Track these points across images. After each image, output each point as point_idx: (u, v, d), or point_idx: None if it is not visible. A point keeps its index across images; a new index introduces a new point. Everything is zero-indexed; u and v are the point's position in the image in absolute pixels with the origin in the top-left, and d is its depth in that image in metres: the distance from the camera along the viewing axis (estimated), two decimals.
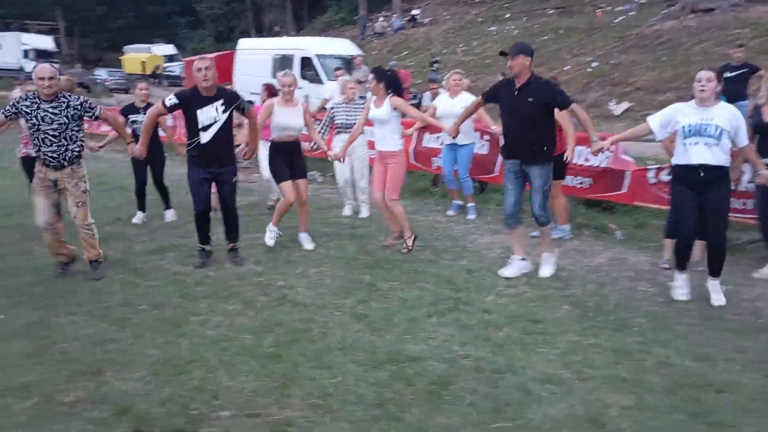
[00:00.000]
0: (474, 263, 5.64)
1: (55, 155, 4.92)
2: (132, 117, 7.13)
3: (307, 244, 6.17)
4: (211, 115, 5.22)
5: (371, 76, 5.99)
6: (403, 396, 3.35)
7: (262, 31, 44.32)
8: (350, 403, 3.27)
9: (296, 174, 6.01)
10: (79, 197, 5.06)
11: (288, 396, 3.34)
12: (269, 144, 6.19)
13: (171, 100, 5.25)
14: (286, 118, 5.91)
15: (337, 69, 11.40)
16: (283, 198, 6.04)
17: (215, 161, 5.31)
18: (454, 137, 6.12)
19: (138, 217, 7.26)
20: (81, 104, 5.03)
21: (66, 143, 4.95)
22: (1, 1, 53.18)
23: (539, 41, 22.56)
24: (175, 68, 39.21)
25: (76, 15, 55.55)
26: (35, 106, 4.87)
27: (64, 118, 4.92)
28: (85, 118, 5.12)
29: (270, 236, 6.13)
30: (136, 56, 41.84)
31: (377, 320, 4.38)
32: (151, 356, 3.78)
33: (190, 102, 5.22)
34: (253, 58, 17.46)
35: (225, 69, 19.02)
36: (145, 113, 7.42)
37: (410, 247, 5.96)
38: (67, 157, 4.97)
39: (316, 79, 15.76)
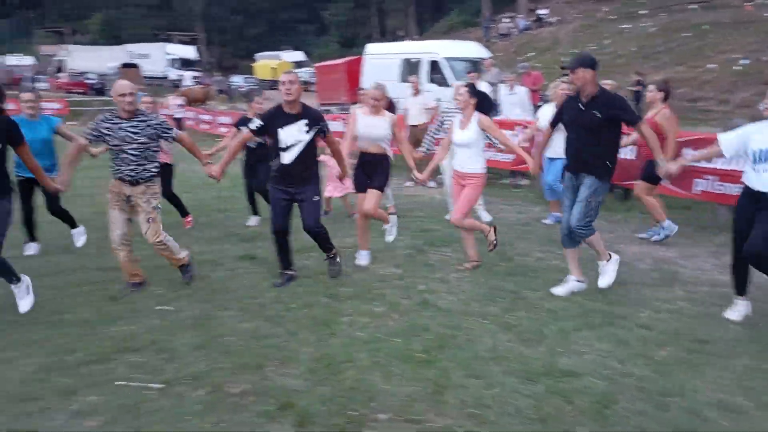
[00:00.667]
0: (623, 274, 5.35)
1: (133, 174, 4.84)
2: (244, 129, 7.46)
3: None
4: (294, 135, 4.99)
5: (464, 89, 5.56)
6: (563, 412, 3.22)
7: (385, 35, 45.10)
8: (508, 415, 3.19)
9: (372, 185, 5.71)
10: (150, 213, 4.94)
11: (443, 403, 3.32)
12: (358, 153, 5.87)
13: (255, 123, 5.13)
14: (369, 129, 5.62)
15: (470, 72, 11.28)
16: (359, 207, 5.87)
17: (296, 182, 5.08)
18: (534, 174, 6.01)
19: (252, 221, 7.52)
20: (160, 124, 4.94)
21: (144, 162, 4.87)
22: (150, 14, 58.01)
23: (679, 38, 21.23)
24: (303, 74, 40.86)
25: (215, 25, 59.41)
26: (116, 126, 4.77)
27: (145, 137, 4.82)
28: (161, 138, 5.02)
29: (362, 259, 5.87)
30: (267, 63, 44.04)
31: (526, 331, 4.26)
32: (306, 354, 3.90)
33: (273, 120, 5.03)
34: (381, 63, 17.77)
35: (355, 73, 19.58)
36: None
37: (494, 242, 5.73)
38: (143, 176, 4.89)
39: (443, 83, 15.74)
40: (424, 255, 6.11)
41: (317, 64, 26.55)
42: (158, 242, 5.00)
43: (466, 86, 5.61)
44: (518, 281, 5.26)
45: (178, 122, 15.43)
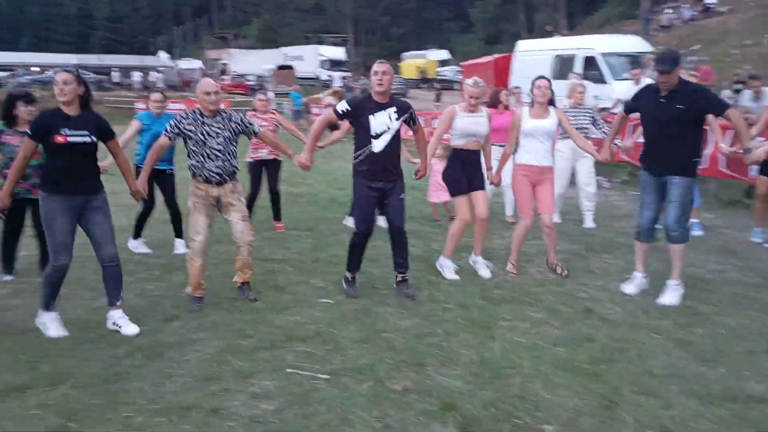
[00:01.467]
0: None
1: (218, 171, 4.69)
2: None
3: (483, 270, 5.58)
4: (384, 121, 4.82)
5: (547, 82, 5.48)
6: None
7: (533, 31, 43.89)
8: None
9: (474, 185, 5.47)
10: (244, 211, 4.88)
11: (616, 420, 3.13)
12: (452, 152, 5.58)
13: (342, 106, 4.95)
14: (470, 125, 5.39)
15: (633, 68, 10.64)
16: (458, 216, 5.54)
17: (385, 174, 4.87)
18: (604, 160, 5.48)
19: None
20: (242, 119, 4.87)
21: (229, 158, 4.75)
22: (305, 18, 61.00)
23: None
24: (447, 72, 40.90)
25: (363, 27, 61.30)
26: (198, 122, 4.67)
27: (228, 132, 4.73)
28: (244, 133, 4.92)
29: (447, 269, 5.58)
30: (413, 62, 44.61)
31: (704, 349, 3.92)
32: (466, 356, 3.87)
33: (362, 108, 4.85)
34: (533, 59, 17.32)
35: (503, 71, 19.25)
36: None
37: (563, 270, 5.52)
38: (228, 173, 4.76)
39: (600, 80, 15.00)
40: (584, 261, 5.84)
41: (464, 63, 26.44)
42: (252, 241, 4.95)
43: (546, 79, 5.56)
44: (691, 293, 4.86)
45: None
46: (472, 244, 5.67)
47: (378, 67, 4.82)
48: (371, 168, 4.83)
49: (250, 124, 4.90)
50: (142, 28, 64.11)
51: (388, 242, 5.55)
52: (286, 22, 62.43)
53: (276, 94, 35.22)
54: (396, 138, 4.88)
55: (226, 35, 67.19)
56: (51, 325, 4.24)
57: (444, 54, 45.64)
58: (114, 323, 4.32)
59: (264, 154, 7.14)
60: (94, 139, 4.21)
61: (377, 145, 4.81)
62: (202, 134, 4.63)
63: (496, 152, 5.98)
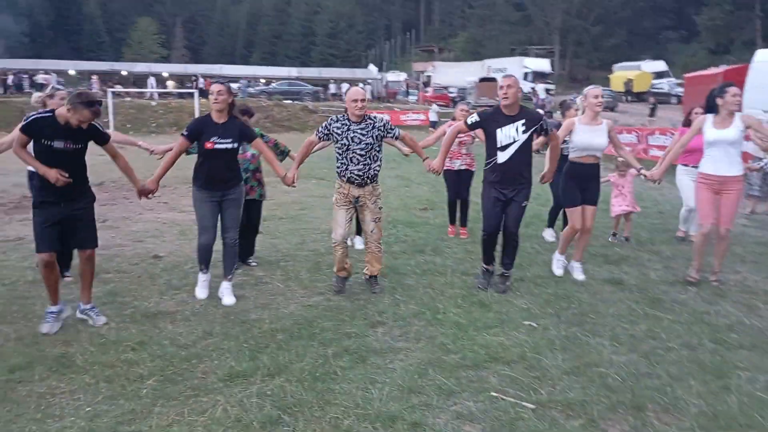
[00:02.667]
0: None
1: (360, 173, 5.08)
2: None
3: (578, 274, 5.77)
4: (511, 134, 5.08)
5: (734, 89, 5.30)
6: None
7: None
8: None
9: (587, 199, 5.65)
10: (377, 213, 5.26)
11: None
12: (568, 165, 5.69)
13: (473, 118, 5.26)
14: (588, 138, 5.49)
15: None
16: (569, 223, 5.82)
17: (512, 182, 5.14)
18: None
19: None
20: (384, 125, 5.19)
21: (370, 162, 5.10)
22: (511, 30, 60.50)
23: None
24: (664, 85, 37.85)
25: (572, 37, 59.16)
26: (345, 127, 5.08)
27: (371, 138, 5.08)
28: (386, 138, 5.31)
29: (557, 265, 5.97)
30: (623, 74, 41.99)
31: None
32: (695, 406, 3.40)
33: (491, 121, 5.16)
34: None
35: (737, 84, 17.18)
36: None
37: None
38: (369, 176, 5.13)
39: None
40: None
41: (688, 75, 24.17)
42: (379, 244, 5.33)
43: (735, 86, 5.39)
44: None
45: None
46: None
47: (503, 81, 5.11)
48: (498, 176, 5.16)
49: (392, 128, 5.27)
50: (356, 43, 68.44)
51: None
52: (492, 34, 62.51)
53: (476, 105, 35.53)
54: (523, 149, 5.10)
55: (431, 48, 69.13)
56: (200, 284, 5.22)
57: (660, 65, 42.39)
58: (221, 292, 5.12)
59: (458, 164, 7.41)
60: (236, 145, 4.96)
61: (502, 157, 5.12)
62: (347, 139, 5.05)
63: (691, 173, 6.33)
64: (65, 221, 4.37)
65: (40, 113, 4.26)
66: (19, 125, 4.21)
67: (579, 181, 5.60)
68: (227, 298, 5.06)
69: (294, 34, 71.83)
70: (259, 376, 3.71)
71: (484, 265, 5.49)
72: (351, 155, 5.05)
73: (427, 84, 47.91)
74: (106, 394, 3.49)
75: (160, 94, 35.67)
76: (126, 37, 71.85)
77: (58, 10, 68.99)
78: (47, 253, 4.29)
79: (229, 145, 4.90)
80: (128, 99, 33.30)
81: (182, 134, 4.95)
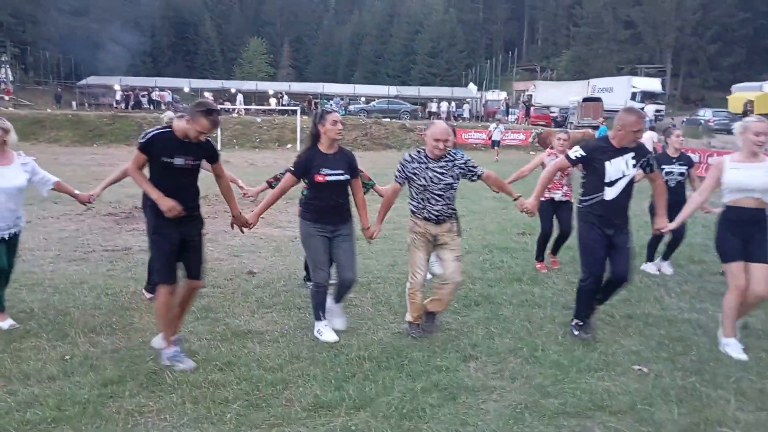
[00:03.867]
0: None
1: (437, 212, 4.66)
2: (666, 167, 6.65)
3: (736, 351, 4.50)
4: (620, 168, 4.58)
5: None
6: None
7: None
8: None
9: (753, 254, 4.50)
10: (458, 251, 4.77)
11: None
12: (724, 209, 4.68)
13: (576, 152, 4.73)
14: (744, 178, 4.49)
15: None
16: (730, 285, 4.57)
17: (616, 221, 4.64)
18: None
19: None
20: (465, 163, 4.72)
21: (449, 201, 4.70)
22: (619, 48, 58.35)
23: None
24: None
25: (685, 56, 56.15)
26: (423, 165, 4.65)
27: (450, 178, 4.66)
28: (467, 178, 4.79)
29: (732, 349, 4.55)
30: (743, 95, 39.17)
31: None
32: None
33: (598, 153, 4.65)
34: None
35: None
36: (680, 163, 6.76)
37: None
38: (447, 214, 4.71)
39: None
40: None
41: None
42: (459, 282, 4.81)
43: None
44: None
45: None
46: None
47: (635, 115, 4.63)
48: (603, 215, 4.65)
49: (474, 167, 4.75)
50: (456, 62, 68.30)
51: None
52: (598, 53, 60.42)
53: (578, 126, 34.26)
54: (630, 185, 4.64)
55: (533, 67, 67.83)
56: (323, 330, 4.72)
57: None
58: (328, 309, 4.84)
59: (558, 195, 6.87)
60: (348, 176, 4.66)
61: (610, 193, 4.62)
62: (425, 179, 4.64)
63: None
64: (183, 245, 4.15)
65: (158, 129, 4.09)
66: (137, 144, 4.06)
67: (740, 230, 4.54)
68: (338, 320, 4.89)
69: (395, 53, 72.71)
70: (343, 408, 3.54)
71: (579, 321, 4.80)
72: (429, 195, 4.64)
73: (528, 104, 46.92)
74: (192, 416, 3.44)
75: (264, 111, 37.11)
76: (237, 56, 75.60)
77: (177, 31, 73.65)
78: (172, 285, 4.09)
79: (341, 177, 4.61)
80: (235, 115, 34.86)
81: (289, 170, 4.71)
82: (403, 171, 4.69)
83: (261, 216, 4.74)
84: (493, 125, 28.52)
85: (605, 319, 5.20)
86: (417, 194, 4.71)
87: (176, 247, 4.11)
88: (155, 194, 4.01)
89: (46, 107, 38.09)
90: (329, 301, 4.88)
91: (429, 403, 3.63)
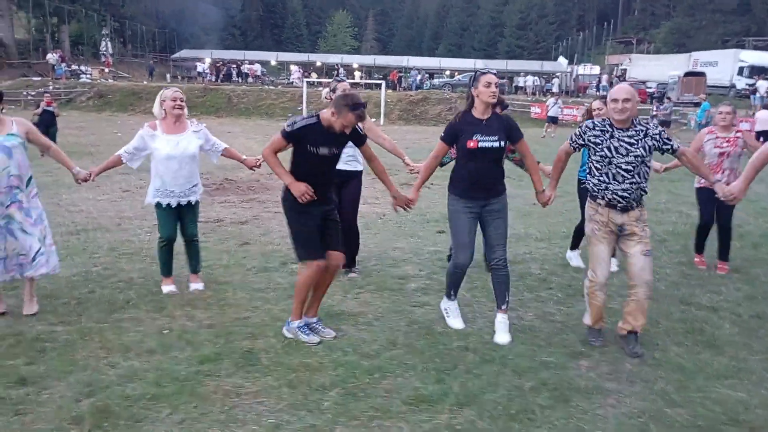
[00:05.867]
0: None
1: (625, 194, 3.96)
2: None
3: None
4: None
5: None
6: None
7: None
8: None
9: None
10: (648, 245, 4.02)
11: None
12: None
13: None
14: None
15: None
16: None
17: None
18: None
19: None
20: (660, 134, 4.00)
21: (639, 180, 3.96)
22: (724, 20, 54.37)
23: None
24: None
25: None
26: (607, 134, 3.99)
27: (641, 149, 3.93)
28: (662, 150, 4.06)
29: None
30: None
31: None
32: None
33: None
34: None
35: None
36: None
37: None
38: (636, 197, 4.00)
39: None
40: None
41: None
42: (650, 281, 4.02)
43: None
44: None
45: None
46: None
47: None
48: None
49: (669, 139, 4.04)
50: (546, 34, 65.84)
51: None
52: (702, 24, 56.50)
53: (678, 103, 32.15)
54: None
55: (629, 39, 64.37)
56: (452, 312, 4.49)
57: None
58: (496, 325, 4.31)
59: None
60: (503, 143, 4.14)
61: None
62: (609, 149, 3.98)
63: None
64: (323, 222, 4.14)
65: (306, 121, 4.01)
66: (282, 130, 4.01)
67: None
68: (502, 335, 4.22)
69: (482, 25, 70.92)
70: (447, 404, 3.31)
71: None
72: (614, 171, 3.97)
73: (623, 78, 44.56)
74: (289, 401, 3.31)
75: (351, 85, 37.09)
76: (322, 29, 76.11)
77: (266, 4, 74.87)
78: (320, 260, 4.05)
79: (496, 144, 4.10)
80: (320, 88, 35.07)
81: (441, 137, 4.28)
82: (581, 136, 4.13)
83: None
84: (551, 100, 26.46)
85: (730, 318, 4.69)
86: (598, 170, 4.06)
87: (317, 223, 4.10)
88: (288, 179, 4.01)
89: (143, 79, 39.72)
90: (499, 314, 4.34)
91: (539, 404, 3.34)
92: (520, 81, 42.56)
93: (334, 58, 51.04)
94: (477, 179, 4.17)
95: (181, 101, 4.84)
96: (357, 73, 43.26)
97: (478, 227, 4.32)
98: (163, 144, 4.75)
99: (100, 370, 3.61)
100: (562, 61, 50.44)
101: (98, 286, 5.13)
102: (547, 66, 48.77)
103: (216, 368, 3.66)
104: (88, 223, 7.57)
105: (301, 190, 3.95)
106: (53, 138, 13.96)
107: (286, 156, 4.09)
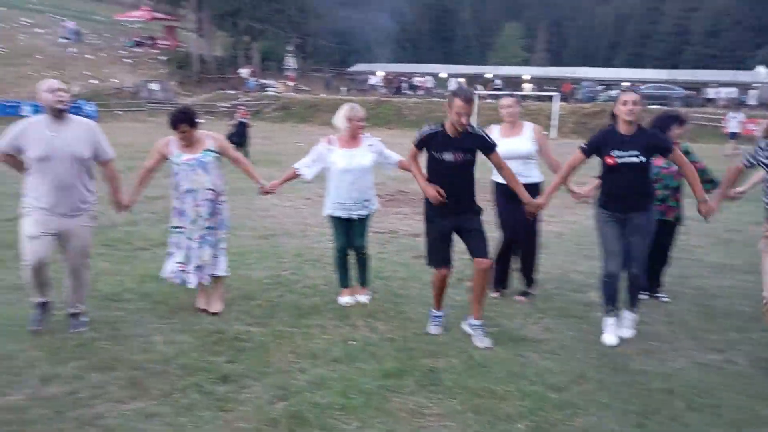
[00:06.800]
0: None
1: None
2: None
3: None
4: None
5: None
6: None
7: None
8: None
9: None
10: None
11: None
12: None
13: None
14: None
15: None
16: None
17: None
18: None
19: None
20: None
21: None
22: None
23: None
24: None
25: None
26: None
27: None
28: None
29: None
30: None
31: None
32: None
33: None
34: None
35: None
36: None
37: None
38: None
39: None
40: None
41: None
42: None
43: None
44: None
45: None
46: None
47: None
48: None
49: None
50: (740, 42, 59.77)
51: None
52: None
53: None
54: None
55: None
56: (608, 327, 4.41)
57: None
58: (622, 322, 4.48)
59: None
60: (644, 159, 4.14)
61: None
62: None
63: None
64: (458, 232, 4.37)
65: (432, 128, 4.30)
66: (414, 138, 4.38)
67: None
68: (625, 330, 4.47)
69: (665, 33, 66.08)
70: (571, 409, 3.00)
71: None
72: None
73: None
74: (475, 429, 3.20)
75: (521, 97, 36.38)
76: (492, 41, 75.64)
77: (436, 18, 76.07)
78: (440, 269, 4.39)
79: (635, 159, 4.14)
80: (488, 101, 34.79)
81: (580, 147, 4.41)
82: (754, 157, 4.16)
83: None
84: (731, 114, 23.04)
85: None
86: None
87: (446, 233, 4.34)
88: (422, 183, 4.34)
89: (320, 92, 42.17)
90: (626, 314, 4.47)
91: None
92: (710, 93, 38.93)
93: (503, 70, 50.45)
94: (617, 193, 4.25)
95: (361, 120, 4.97)
96: (527, 85, 42.35)
97: None
98: (339, 158, 4.91)
99: (292, 374, 3.76)
100: (761, 70, 45.35)
101: (287, 291, 5.41)
102: (742, 76, 44.12)
103: (399, 384, 3.65)
104: (276, 228, 8.09)
105: (431, 192, 4.21)
106: (246, 147, 15.25)
107: None
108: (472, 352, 4.13)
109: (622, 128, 4.22)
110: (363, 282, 5.27)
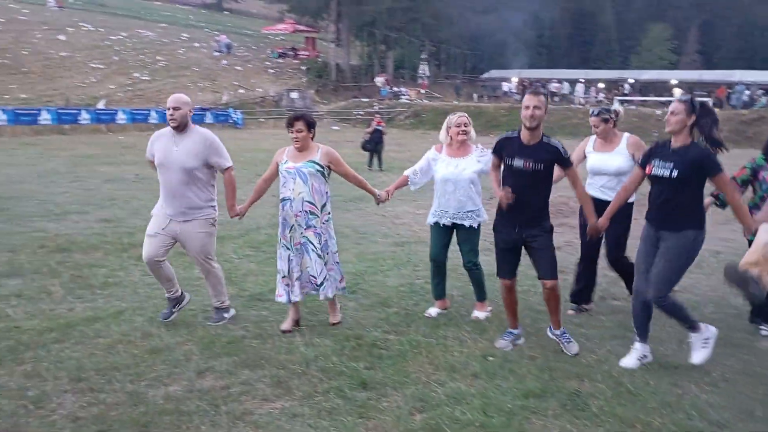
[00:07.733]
0: None
1: None
2: None
3: None
4: None
5: None
6: None
7: None
8: None
9: None
10: None
11: None
12: None
13: None
14: None
15: None
16: None
17: None
18: None
19: None
20: None
21: None
22: None
23: None
24: None
25: None
26: None
27: None
28: None
29: None
30: None
31: None
32: None
33: None
34: None
35: None
36: None
37: None
38: None
39: None
40: None
41: None
42: None
43: None
44: None
45: None
46: None
47: None
48: None
49: None
50: None
51: None
52: None
53: None
54: None
55: None
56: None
57: None
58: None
59: None
60: (676, 174, 3.84)
61: None
62: None
63: None
64: (526, 248, 4.29)
65: (508, 134, 4.33)
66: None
67: None
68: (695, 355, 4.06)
69: None
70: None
71: None
72: None
73: None
74: None
75: (665, 103, 34.12)
76: (635, 44, 71.61)
77: (575, 22, 73.37)
78: (503, 279, 4.35)
79: (667, 172, 3.88)
80: (632, 107, 32.94)
81: (637, 162, 4.30)
82: None
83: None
84: None
85: None
86: None
87: (511, 245, 4.28)
88: (495, 185, 4.34)
89: (451, 99, 42.15)
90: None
91: None
92: None
93: (648, 74, 47.61)
94: (654, 205, 4.02)
95: (466, 126, 4.92)
96: (677, 90, 39.59)
97: None
98: (442, 166, 4.93)
99: (430, 386, 3.72)
100: None
101: (422, 300, 5.40)
102: None
103: (542, 406, 3.50)
104: (410, 235, 8.14)
105: (500, 193, 4.17)
106: (380, 154, 15.56)
107: None
108: (621, 377, 3.87)
109: (673, 139, 3.98)
110: (479, 297, 5.13)
